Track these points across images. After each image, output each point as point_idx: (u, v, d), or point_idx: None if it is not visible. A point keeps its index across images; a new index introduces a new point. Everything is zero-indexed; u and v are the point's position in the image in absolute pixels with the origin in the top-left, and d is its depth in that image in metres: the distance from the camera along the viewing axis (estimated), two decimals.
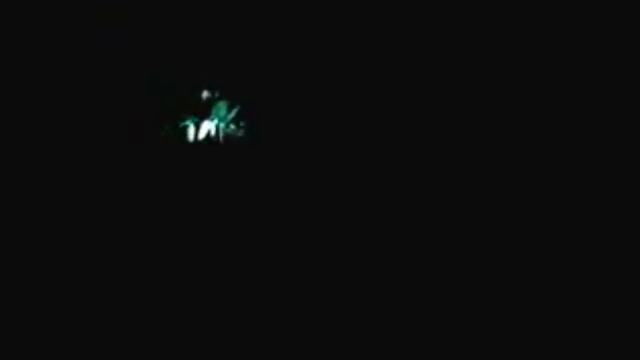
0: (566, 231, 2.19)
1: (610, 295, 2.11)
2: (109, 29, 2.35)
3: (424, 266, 2.18)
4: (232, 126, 2.06)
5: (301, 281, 2.16)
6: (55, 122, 2.28)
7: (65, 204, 2.22)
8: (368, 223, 2.22)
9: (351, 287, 2.15)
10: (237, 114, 2.10)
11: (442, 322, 2.11)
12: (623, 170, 2.19)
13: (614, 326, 2.06)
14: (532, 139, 2.26)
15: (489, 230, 2.21)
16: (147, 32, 2.34)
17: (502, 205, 2.23)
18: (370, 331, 2.09)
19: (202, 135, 2.05)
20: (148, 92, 2.25)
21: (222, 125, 2.06)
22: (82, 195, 2.23)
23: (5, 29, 2.27)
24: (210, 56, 2.26)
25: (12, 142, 2.25)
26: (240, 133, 2.10)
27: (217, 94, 2.09)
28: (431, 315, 2.12)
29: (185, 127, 2.07)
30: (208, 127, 2.05)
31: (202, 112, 2.06)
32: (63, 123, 2.29)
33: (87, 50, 2.33)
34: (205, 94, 2.10)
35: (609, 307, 2.09)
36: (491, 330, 2.09)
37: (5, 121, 2.26)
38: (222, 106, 2.06)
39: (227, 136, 2.11)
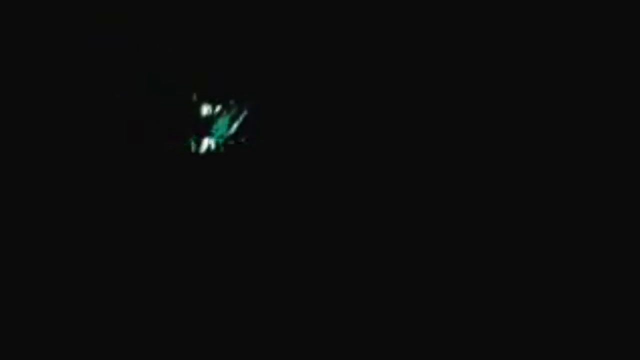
0: (566, 231, 2.22)
1: (610, 296, 2.16)
2: (109, 29, 2.31)
3: (426, 268, 2.23)
4: (232, 142, 2.07)
5: (301, 291, 2.20)
6: (54, 123, 2.28)
7: (61, 208, 2.24)
8: (371, 240, 2.25)
9: (356, 294, 2.19)
10: (239, 129, 2.10)
11: (442, 322, 2.16)
12: (623, 170, 2.21)
13: (614, 326, 2.11)
14: (533, 139, 2.27)
15: (490, 230, 2.24)
16: (147, 33, 2.30)
17: (502, 206, 2.26)
18: (370, 331, 2.15)
19: (202, 150, 2.06)
20: (148, 98, 2.24)
21: (221, 141, 2.07)
22: (78, 199, 2.25)
23: (5, 29, 2.23)
24: (211, 68, 2.24)
25: (10, 142, 2.25)
26: (242, 140, 2.11)
27: (217, 109, 2.09)
28: (431, 316, 2.17)
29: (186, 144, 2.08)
30: (208, 142, 2.06)
31: (202, 130, 2.06)
32: (62, 124, 2.28)
33: (87, 50, 2.30)
34: (205, 110, 2.10)
35: (609, 307, 2.14)
36: (491, 330, 2.14)
37: (4, 121, 2.25)
38: (222, 123, 2.06)
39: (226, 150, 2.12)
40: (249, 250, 2.22)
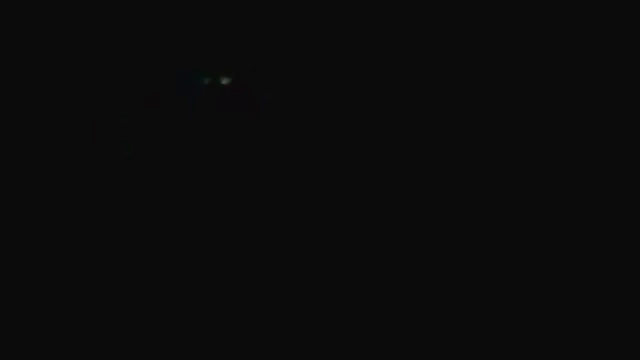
0: (566, 232, 2.20)
1: (610, 296, 2.12)
2: (109, 28, 2.34)
3: (426, 267, 2.19)
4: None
5: (301, 283, 2.17)
6: (54, 123, 2.28)
7: (63, 203, 2.23)
8: (371, 227, 2.23)
9: (356, 289, 2.16)
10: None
11: (442, 322, 2.12)
12: (623, 170, 2.20)
13: (613, 326, 2.07)
14: (532, 140, 2.26)
15: (489, 230, 2.22)
16: (146, 31, 2.33)
17: (502, 206, 2.24)
18: (370, 331, 2.10)
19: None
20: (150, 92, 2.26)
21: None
22: (78, 196, 2.24)
23: (5, 29, 2.26)
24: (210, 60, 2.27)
25: (10, 142, 2.25)
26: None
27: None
28: (431, 316, 2.13)
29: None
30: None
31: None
32: (62, 124, 2.28)
33: (87, 50, 2.32)
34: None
35: (609, 307, 2.10)
36: (491, 330, 2.10)
37: (3, 122, 2.25)
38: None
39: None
40: (246, 246, 2.20)
